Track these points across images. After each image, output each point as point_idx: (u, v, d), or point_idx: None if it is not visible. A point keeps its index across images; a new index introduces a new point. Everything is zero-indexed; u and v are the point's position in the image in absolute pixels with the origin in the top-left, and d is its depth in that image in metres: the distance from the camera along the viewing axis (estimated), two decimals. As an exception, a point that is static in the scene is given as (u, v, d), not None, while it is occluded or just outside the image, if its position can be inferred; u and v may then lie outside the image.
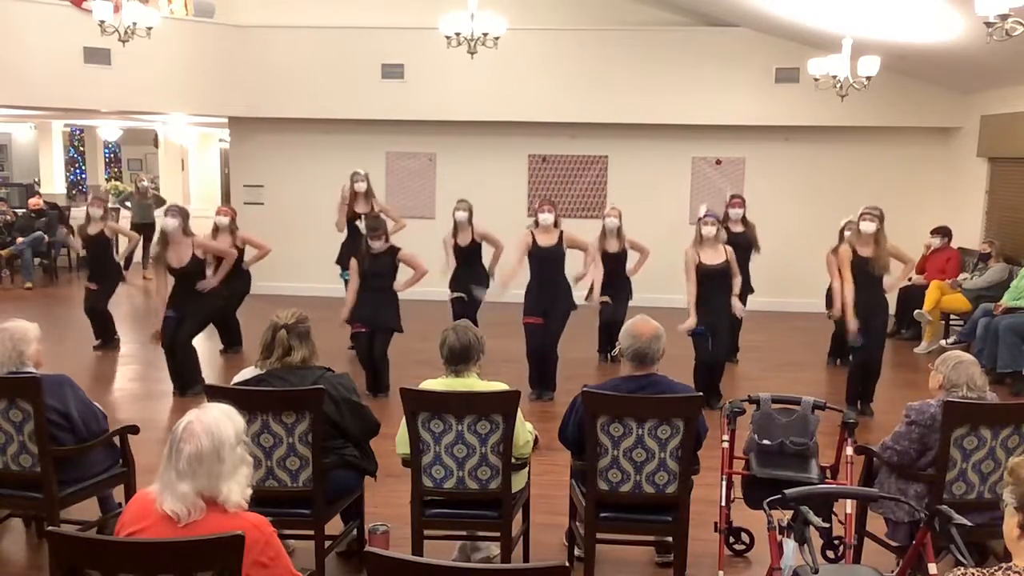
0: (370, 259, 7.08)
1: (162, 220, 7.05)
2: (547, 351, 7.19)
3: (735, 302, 7.04)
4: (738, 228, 8.10)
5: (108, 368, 8.28)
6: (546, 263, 7.15)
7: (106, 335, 8.82)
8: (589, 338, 8.65)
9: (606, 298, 7.76)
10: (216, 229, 8.24)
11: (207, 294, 7.17)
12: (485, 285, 8.23)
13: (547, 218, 7.18)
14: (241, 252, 8.19)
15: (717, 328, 6.91)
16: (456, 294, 8.15)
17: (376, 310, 7.08)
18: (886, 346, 7.27)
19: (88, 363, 8.27)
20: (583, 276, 7.73)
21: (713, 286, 6.86)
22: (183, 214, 7.07)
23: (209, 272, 7.26)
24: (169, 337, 7.09)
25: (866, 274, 6.62)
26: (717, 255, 6.89)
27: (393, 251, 7.14)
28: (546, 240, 7.19)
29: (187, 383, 7.10)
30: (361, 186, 7.94)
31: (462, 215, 8.02)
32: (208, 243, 7.45)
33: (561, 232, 7.26)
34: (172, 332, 7.07)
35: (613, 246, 8.02)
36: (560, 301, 7.17)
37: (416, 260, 7.22)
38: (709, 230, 6.85)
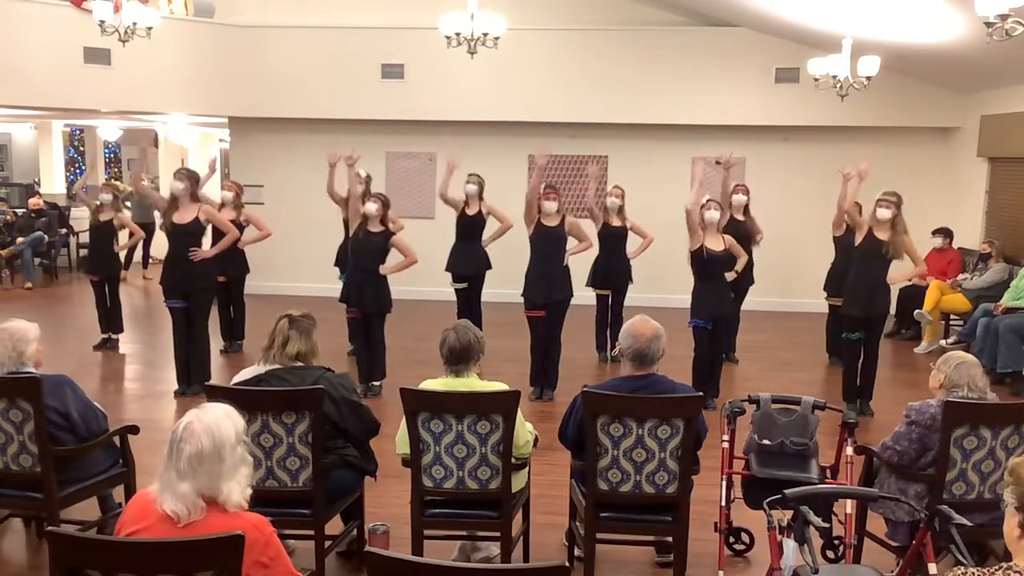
0: (364, 233, 7.05)
1: (171, 183, 7.02)
2: (550, 342, 7.19)
3: (728, 275, 7.09)
4: (739, 216, 8.13)
5: (108, 368, 8.28)
6: (547, 242, 7.09)
7: (114, 326, 8.82)
8: (589, 338, 8.65)
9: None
10: (221, 204, 8.26)
11: (201, 272, 7.03)
12: (485, 264, 8.31)
13: (550, 206, 7.12)
14: (241, 229, 8.20)
15: (718, 319, 6.91)
16: (459, 284, 8.21)
17: (362, 292, 7.08)
18: (887, 346, 7.27)
19: (88, 363, 8.27)
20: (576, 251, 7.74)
21: (716, 272, 6.87)
22: (191, 177, 7.03)
23: (206, 245, 7.25)
24: (182, 330, 7.06)
25: (877, 256, 6.60)
26: (719, 243, 6.90)
27: (387, 234, 7.10)
28: (549, 221, 7.14)
29: (195, 377, 7.01)
30: (358, 189, 7.86)
31: (472, 188, 8.13)
32: (215, 213, 7.38)
33: (564, 216, 7.24)
34: (184, 324, 7.05)
35: (614, 221, 8.22)
36: (559, 290, 7.13)
37: (408, 248, 7.18)
38: (712, 215, 6.83)
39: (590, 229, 8.07)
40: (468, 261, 8.21)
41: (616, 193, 8.28)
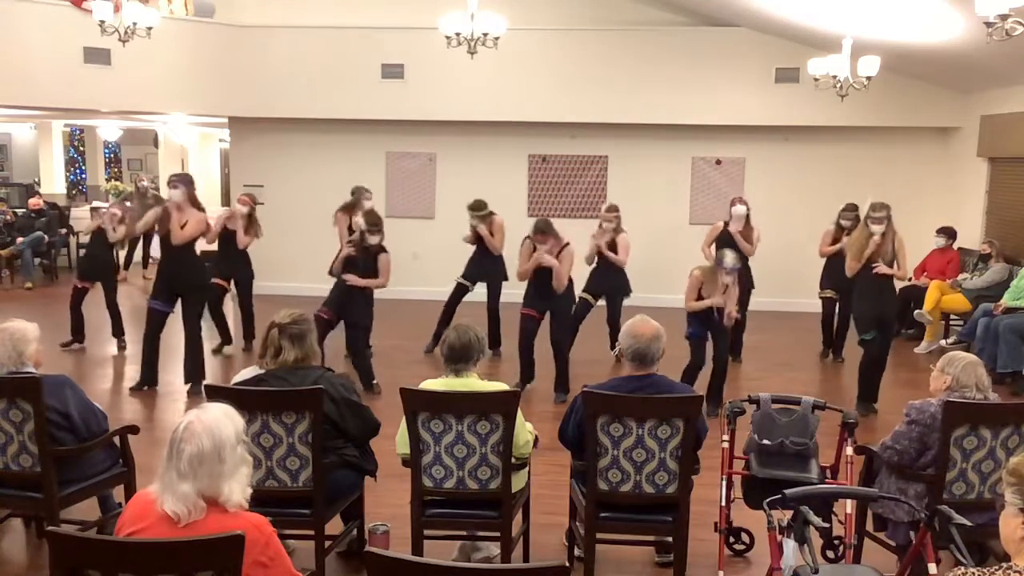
0: (361, 250, 7.20)
1: (168, 192, 7.13)
2: (554, 344, 7.18)
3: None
4: (735, 228, 8.18)
5: (108, 368, 8.28)
6: (542, 270, 7.11)
7: (116, 331, 8.86)
8: (593, 338, 8.63)
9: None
10: (230, 216, 8.57)
11: (194, 273, 7.23)
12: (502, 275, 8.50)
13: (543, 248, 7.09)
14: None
15: (717, 330, 6.86)
16: (463, 280, 8.42)
17: (344, 300, 7.18)
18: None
19: (88, 363, 8.26)
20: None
21: (710, 319, 6.77)
22: (187, 182, 7.15)
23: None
24: (153, 329, 7.17)
25: (877, 262, 6.65)
26: (721, 300, 6.72)
27: (379, 250, 7.24)
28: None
29: (191, 376, 7.17)
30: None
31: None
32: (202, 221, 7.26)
33: (562, 249, 7.18)
34: (159, 326, 7.17)
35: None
36: (561, 298, 7.17)
37: (387, 270, 7.26)
38: (727, 279, 6.60)
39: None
40: (483, 271, 8.49)
41: (610, 218, 8.16)
